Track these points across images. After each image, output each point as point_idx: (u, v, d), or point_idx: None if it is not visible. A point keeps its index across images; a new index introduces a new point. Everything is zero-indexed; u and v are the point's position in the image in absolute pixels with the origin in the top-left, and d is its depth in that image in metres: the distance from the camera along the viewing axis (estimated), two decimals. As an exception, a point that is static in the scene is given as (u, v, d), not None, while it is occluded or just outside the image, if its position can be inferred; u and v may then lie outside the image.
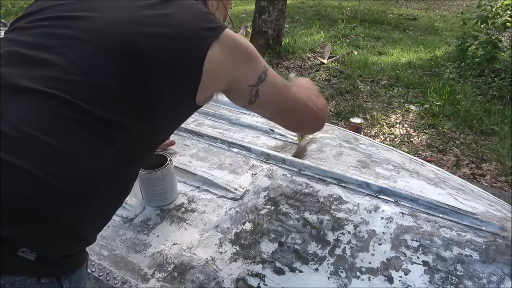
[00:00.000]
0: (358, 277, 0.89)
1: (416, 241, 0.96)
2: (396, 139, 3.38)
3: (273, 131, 1.50)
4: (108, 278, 0.91)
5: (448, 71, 4.76)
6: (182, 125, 1.53)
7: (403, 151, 2.17)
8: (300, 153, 1.33)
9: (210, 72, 0.76)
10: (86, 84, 0.66)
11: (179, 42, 0.73)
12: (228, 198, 1.14)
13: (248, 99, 0.85)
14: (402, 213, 1.05)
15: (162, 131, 0.82)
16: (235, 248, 0.97)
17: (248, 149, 1.35)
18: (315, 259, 0.93)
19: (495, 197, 1.25)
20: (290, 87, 0.93)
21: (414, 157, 1.50)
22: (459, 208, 1.05)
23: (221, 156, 1.34)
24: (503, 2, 4.73)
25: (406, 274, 0.89)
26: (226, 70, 0.79)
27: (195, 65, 0.74)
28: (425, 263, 0.91)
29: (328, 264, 0.92)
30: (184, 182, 1.21)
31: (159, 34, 0.72)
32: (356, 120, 2.31)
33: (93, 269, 0.93)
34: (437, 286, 0.86)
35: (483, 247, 0.94)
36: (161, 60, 0.72)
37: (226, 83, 0.82)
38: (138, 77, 0.70)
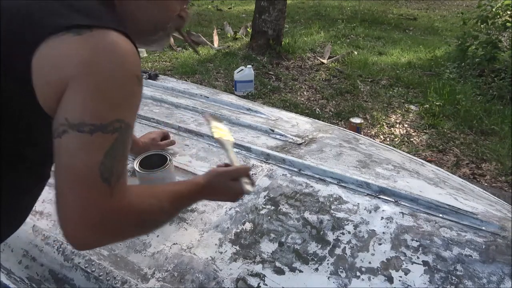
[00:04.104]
0: (358, 277, 0.89)
1: (416, 241, 0.96)
2: (396, 139, 3.38)
3: (273, 131, 1.50)
4: (108, 278, 0.91)
5: (448, 71, 4.75)
6: (182, 125, 1.54)
7: (403, 151, 2.17)
8: None
9: (40, 67, 0.58)
10: None
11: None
12: (228, 198, 1.14)
13: (53, 128, 0.60)
14: (402, 213, 1.05)
15: None
16: (235, 248, 0.97)
17: (248, 149, 1.35)
18: (315, 259, 0.93)
19: (495, 197, 1.25)
20: (97, 177, 0.59)
21: (414, 157, 1.50)
22: (459, 208, 1.05)
23: (221, 156, 1.34)
24: (503, 2, 4.73)
25: (406, 274, 0.89)
26: (60, 77, 0.58)
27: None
28: (425, 263, 0.91)
29: (328, 264, 0.92)
30: (184, 182, 1.21)
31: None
32: (356, 120, 2.31)
33: (93, 269, 0.93)
34: (437, 286, 0.86)
35: (483, 247, 0.94)
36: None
37: (56, 97, 0.59)
38: None
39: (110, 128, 0.58)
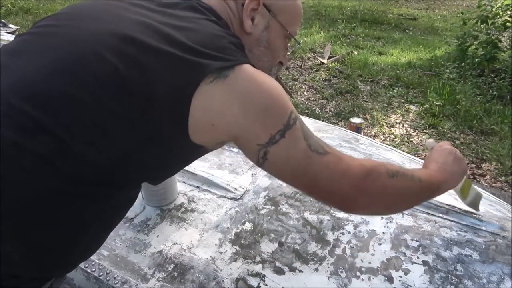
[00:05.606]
0: (358, 277, 0.89)
1: (416, 241, 0.96)
2: (396, 139, 3.38)
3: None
4: (108, 278, 0.91)
5: (448, 71, 4.75)
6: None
7: (403, 151, 2.17)
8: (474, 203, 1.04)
9: (202, 113, 0.63)
10: None
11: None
12: (228, 198, 1.14)
13: (255, 159, 0.68)
14: (402, 213, 1.05)
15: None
16: (235, 248, 0.97)
17: (248, 149, 1.35)
18: (315, 259, 0.93)
19: (495, 197, 1.25)
20: (318, 155, 0.68)
21: (414, 157, 1.50)
22: (459, 208, 1.05)
23: (221, 156, 1.34)
24: (503, 2, 4.72)
25: (406, 274, 0.89)
26: (228, 119, 0.65)
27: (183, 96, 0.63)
28: (425, 263, 0.91)
29: (328, 264, 0.92)
30: (184, 182, 1.21)
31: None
32: (356, 120, 2.31)
33: (93, 269, 0.93)
34: (437, 286, 0.86)
35: (483, 247, 0.94)
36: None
37: (228, 133, 0.67)
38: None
39: (291, 122, 0.66)
